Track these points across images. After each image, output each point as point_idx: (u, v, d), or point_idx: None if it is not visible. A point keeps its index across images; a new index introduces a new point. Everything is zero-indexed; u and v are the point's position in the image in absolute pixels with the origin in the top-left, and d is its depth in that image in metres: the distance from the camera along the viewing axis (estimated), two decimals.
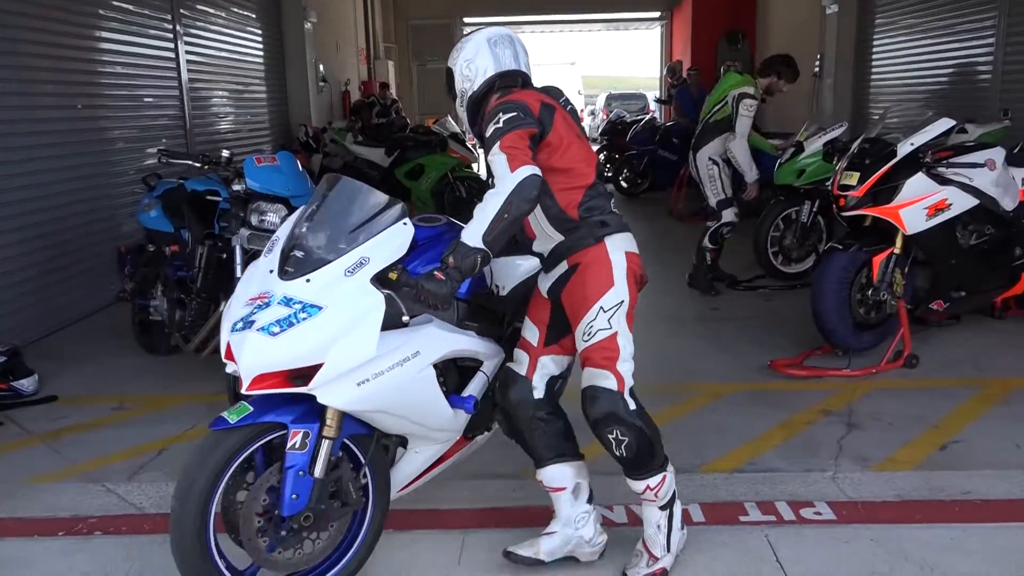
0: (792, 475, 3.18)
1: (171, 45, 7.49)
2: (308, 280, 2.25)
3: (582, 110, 24.42)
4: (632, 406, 2.42)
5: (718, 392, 4.08)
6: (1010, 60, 7.26)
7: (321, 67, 11.76)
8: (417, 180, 9.34)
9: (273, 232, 2.63)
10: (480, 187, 9.56)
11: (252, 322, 2.20)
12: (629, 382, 2.43)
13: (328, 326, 2.19)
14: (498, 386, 2.62)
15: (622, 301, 2.42)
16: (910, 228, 4.15)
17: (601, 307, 2.40)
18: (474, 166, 10.09)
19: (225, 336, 2.26)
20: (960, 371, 4.28)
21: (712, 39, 15.46)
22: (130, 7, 6.71)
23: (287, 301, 2.21)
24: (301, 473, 2.22)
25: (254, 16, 9.84)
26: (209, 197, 3.91)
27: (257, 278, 2.36)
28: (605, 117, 18.84)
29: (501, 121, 2.35)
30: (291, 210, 3.73)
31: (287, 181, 3.77)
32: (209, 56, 8.37)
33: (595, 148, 4.08)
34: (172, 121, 7.53)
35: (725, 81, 6.00)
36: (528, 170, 2.26)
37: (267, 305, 2.22)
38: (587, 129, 23.16)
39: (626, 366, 2.43)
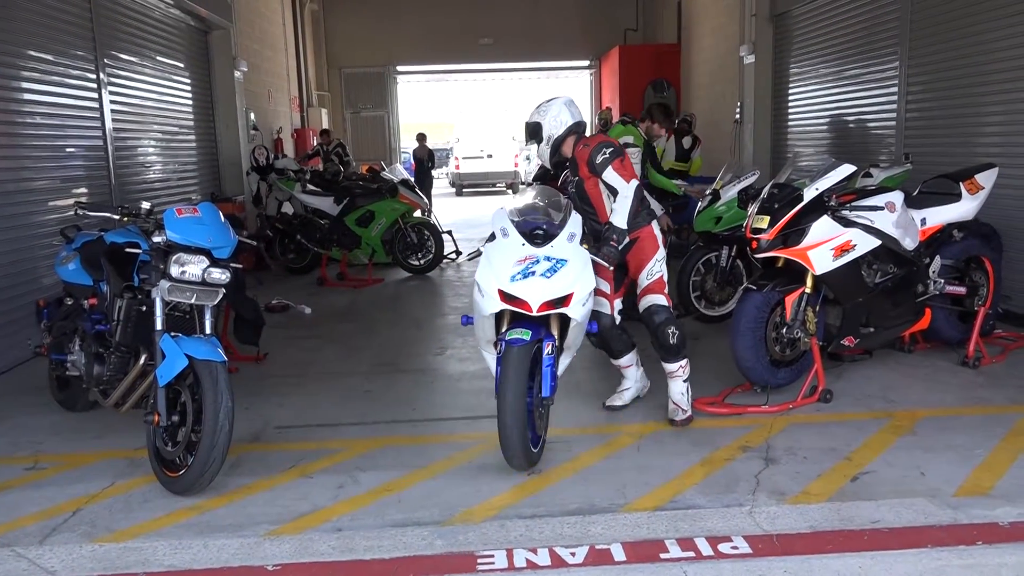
0: (711, 511, 3.26)
1: (95, 94, 7.41)
2: (552, 246, 3.73)
3: (516, 155, 24.83)
4: (675, 315, 4.32)
5: (641, 432, 4.17)
6: (912, 107, 7.73)
7: (252, 115, 11.74)
8: (367, 227, 9.35)
9: (195, 284, 3.65)
10: (431, 233, 9.62)
11: (532, 272, 3.62)
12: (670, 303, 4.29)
13: (573, 270, 3.69)
14: (592, 318, 3.99)
15: (663, 258, 4.31)
16: (818, 268, 4.35)
17: (656, 259, 4.28)
18: (418, 212, 10.15)
19: (501, 285, 3.62)
20: (871, 404, 4.46)
21: (639, 87, 15.97)
22: (50, 56, 6.64)
23: (548, 259, 3.67)
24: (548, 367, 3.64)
25: (182, 65, 9.81)
26: (128, 249, 3.86)
27: (510, 250, 3.75)
28: (539, 163, 19.13)
29: (608, 153, 4.12)
30: (213, 261, 3.73)
31: (209, 232, 3.76)
32: (135, 105, 8.30)
33: None
34: (95, 171, 7.41)
35: (612, 132, 6.69)
36: (635, 182, 4.11)
37: (536, 261, 3.66)
38: (522, 174, 23.80)
39: (666, 295, 4.29)
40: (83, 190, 7.12)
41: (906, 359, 5.24)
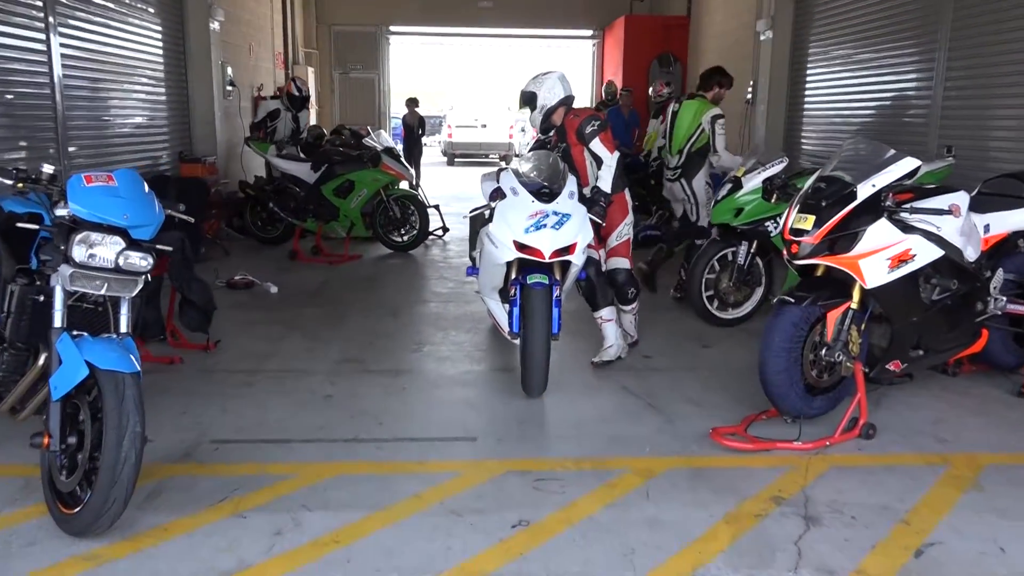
0: None
1: (42, 36, 6.55)
2: (558, 202, 4.23)
3: (511, 126, 23.95)
4: (633, 277, 4.97)
5: (650, 469, 3.47)
6: (950, 95, 6.99)
7: (229, 70, 10.84)
8: (346, 198, 8.56)
9: (107, 271, 2.92)
10: (416, 207, 8.83)
11: (544, 225, 4.11)
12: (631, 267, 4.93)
13: (576, 222, 4.20)
14: (584, 264, 4.44)
15: (631, 222, 4.92)
16: (870, 281, 3.64)
17: (625, 223, 4.87)
18: (404, 184, 9.36)
19: (516, 237, 4.11)
20: (921, 443, 3.78)
21: (644, 61, 15.13)
22: None
23: (555, 213, 4.17)
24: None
25: (152, 11, 8.91)
26: (20, 224, 3.07)
27: (522, 206, 4.22)
28: (535, 136, 18.28)
29: (595, 126, 4.70)
30: (131, 243, 2.98)
31: (125, 206, 2.98)
32: (92, 51, 7.43)
33: None
34: (39, 124, 6.57)
35: (688, 110, 6.60)
36: (617, 153, 4.72)
37: (546, 216, 4.15)
38: (516, 146, 22.93)
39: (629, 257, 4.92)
40: (23, 144, 6.30)
41: (951, 384, 4.56)
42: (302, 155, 9.34)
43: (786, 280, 5.66)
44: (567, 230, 4.16)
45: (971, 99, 6.73)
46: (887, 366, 4.00)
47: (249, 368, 4.74)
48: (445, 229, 9.73)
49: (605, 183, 4.64)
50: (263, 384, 4.48)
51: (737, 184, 5.56)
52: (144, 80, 8.80)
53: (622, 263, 4.92)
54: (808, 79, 10.14)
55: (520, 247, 4.13)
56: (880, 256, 3.62)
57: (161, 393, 4.24)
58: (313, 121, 10.06)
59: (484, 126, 23.92)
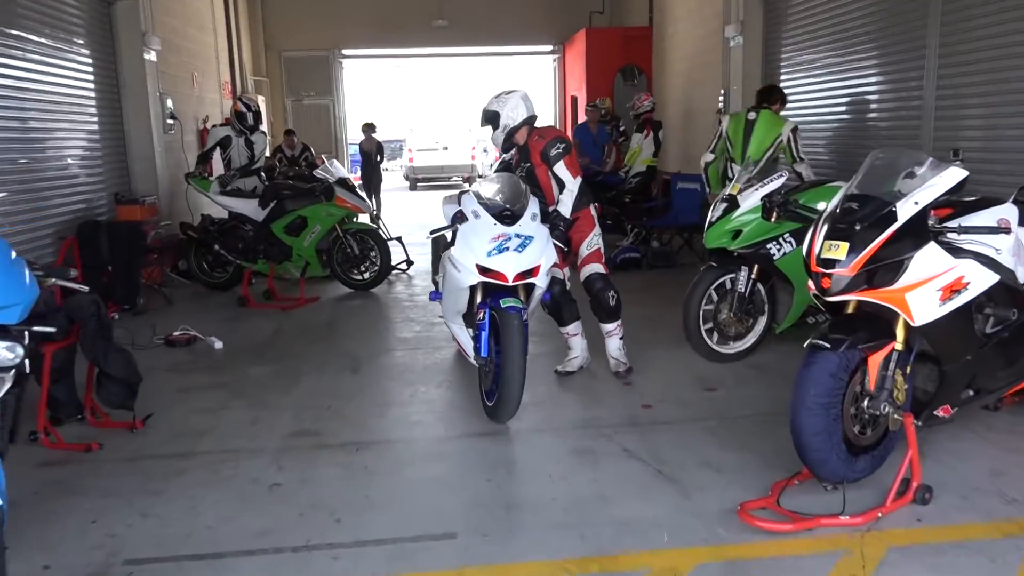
0: None
1: None
2: (520, 225, 4.24)
3: (473, 147, 23.40)
4: (611, 282, 4.92)
5: (674, 568, 2.80)
6: (944, 94, 6.48)
7: (169, 102, 10.09)
8: (299, 235, 7.83)
9: None
10: (375, 241, 8.12)
11: (506, 248, 4.12)
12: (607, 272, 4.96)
13: (539, 244, 4.23)
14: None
15: (599, 233, 5.01)
16: (919, 317, 3.03)
17: (594, 234, 4.96)
18: (364, 217, 8.65)
19: (478, 260, 4.10)
20: (987, 506, 3.17)
21: (607, 73, 14.64)
22: None
23: (517, 235, 4.18)
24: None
25: (80, 41, 8.17)
26: None
27: (484, 229, 4.20)
28: (497, 156, 17.74)
29: (560, 149, 4.75)
30: None
31: None
32: (8, 88, 6.68)
33: None
34: None
35: (765, 120, 6.45)
36: (579, 178, 4.83)
37: (508, 238, 4.15)
38: (479, 167, 22.33)
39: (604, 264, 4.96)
40: None
41: (995, 421, 3.97)
42: (254, 188, 8.58)
43: (791, 310, 5.09)
44: (530, 252, 4.14)
45: (970, 96, 6.22)
46: (936, 412, 3.39)
47: (181, 451, 4.00)
48: (409, 262, 9.05)
49: (565, 208, 4.68)
50: (196, 473, 3.74)
51: (733, 203, 4.97)
52: (74, 117, 8.05)
53: (597, 268, 4.88)
54: (782, 85, 9.65)
55: (483, 271, 4.09)
56: (929, 287, 3.02)
57: (69, 495, 3.50)
58: (267, 151, 9.22)
59: (446, 148, 23.37)
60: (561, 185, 4.73)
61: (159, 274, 8.42)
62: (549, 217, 4.57)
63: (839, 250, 3.04)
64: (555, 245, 4.43)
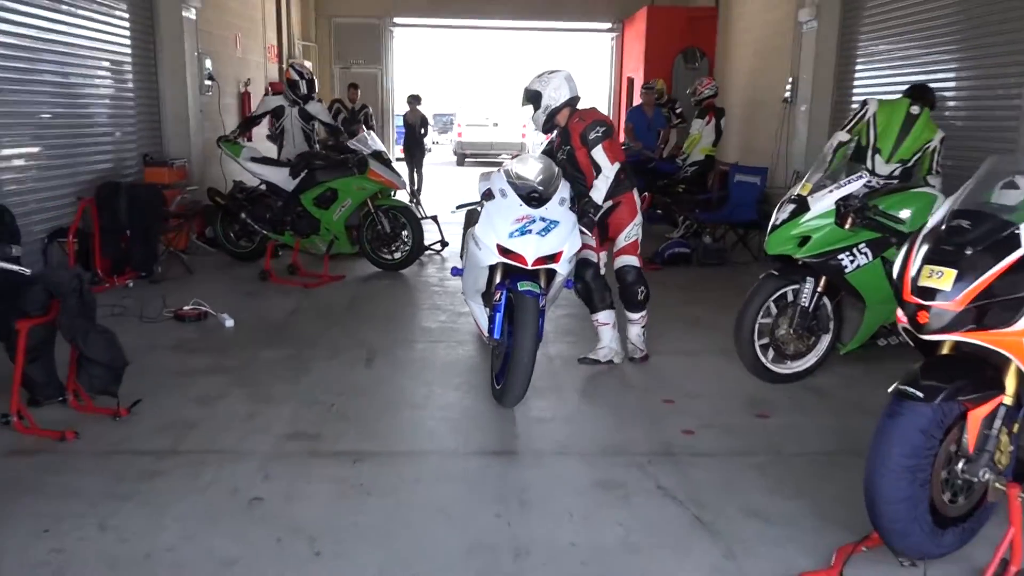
0: None
1: None
2: (547, 208, 4.10)
3: (524, 125, 22.81)
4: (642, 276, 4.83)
5: None
6: None
7: (208, 63, 9.73)
8: (328, 209, 7.41)
9: None
10: (409, 220, 7.66)
11: (529, 231, 3.99)
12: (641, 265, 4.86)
13: (564, 231, 4.08)
14: (579, 266, 4.50)
15: (640, 223, 4.83)
16: None
17: (634, 223, 4.79)
18: (400, 194, 8.18)
19: (500, 240, 3.98)
20: None
21: (668, 55, 13.92)
22: None
23: (542, 219, 4.04)
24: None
25: None
26: None
27: (509, 209, 4.08)
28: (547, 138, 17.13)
29: (600, 132, 4.56)
30: None
31: None
32: (44, 40, 6.35)
33: None
34: None
35: (924, 122, 5.30)
36: (617, 164, 4.60)
37: (532, 221, 4.02)
38: (529, 146, 21.75)
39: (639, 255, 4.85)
40: None
41: None
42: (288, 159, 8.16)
43: (860, 329, 4.49)
44: (553, 237, 4.03)
45: None
46: None
47: (162, 448, 3.58)
48: (444, 243, 8.58)
49: (598, 194, 4.56)
50: (173, 476, 3.32)
51: (802, 205, 4.37)
52: (107, 73, 7.73)
53: (631, 260, 4.79)
54: (857, 76, 8.91)
55: (503, 251, 4.01)
56: None
57: (28, 493, 3.11)
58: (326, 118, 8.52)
59: (496, 125, 22.84)
60: (599, 170, 4.57)
61: (184, 240, 8.10)
62: (581, 203, 4.46)
63: (943, 278, 2.46)
64: (582, 230, 4.33)
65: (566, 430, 3.93)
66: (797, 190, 4.48)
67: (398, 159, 14.38)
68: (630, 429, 3.94)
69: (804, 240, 4.33)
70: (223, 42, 10.71)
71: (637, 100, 12.03)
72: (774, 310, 4.55)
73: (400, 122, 17.29)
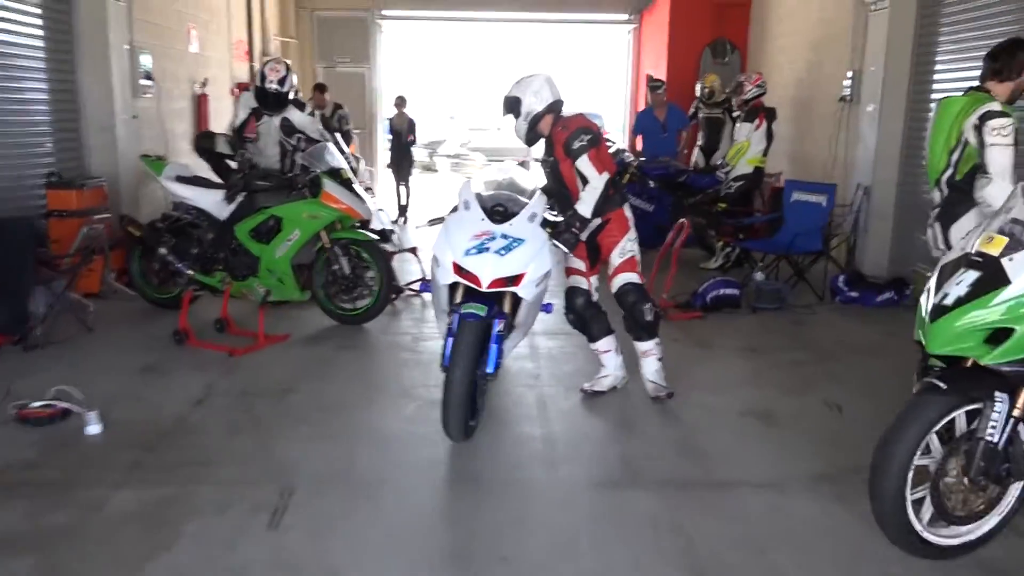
0: None
1: None
2: (511, 224, 3.80)
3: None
4: (646, 293, 4.33)
5: None
6: None
7: (144, 59, 7.99)
8: (269, 243, 5.67)
9: None
10: (374, 256, 5.84)
11: (486, 248, 3.66)
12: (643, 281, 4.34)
13: (529, 250, 3.73)
14: (569, 295, 4.36)
15: (635, 238, 4.32)
16: None
17: (628, 239, 4.30)
18: (382, 216, 6.43)
19: (456, 258, 3.67)
20: None
21: (693, 49, 12.16)
22: None
23: (503, 236, 3.73)
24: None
25: None
26: None
27: (469, 223, 3.78)
28: None
29: (585, 141, 4.07)
30: None
31: None
32: None
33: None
34: None
35: (950, 109, 3.87)
36: (606, 174, 4.10)
37: (492, 238, 3.70)
38: (533, 151, 20.11)
39: (639, 273, 4.33)
40: None
41: None
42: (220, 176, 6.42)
43: None
44: (514, 257, 3.69)
45: None
46: None
47: None
48: (426, 282, 6.79)
49: (585, 207, 4.10)
50: None
51: (993, 271, 2.56)
52: (13, 73, 6.05)
53: (630, 277, 4.30)
54: (937, 71, 7.12)
55: (459, 270, 3.69)
56: None
57: None
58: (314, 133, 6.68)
59: (499, 129, 21.27)
60: (585, 181, 4.14)
61: (97, 282, 6.37)
62: (566, 215, 4.14)
63: None
64: (562, 249, 4.04)
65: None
66: (974, 243, 2.68)
67: (387, 166, 12.63)
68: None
69: (999, 334, 2.52)
70: (172, 35, 8.99)
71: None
72: (936, 445, 2.74)
73: (388, 127, 15.56)
